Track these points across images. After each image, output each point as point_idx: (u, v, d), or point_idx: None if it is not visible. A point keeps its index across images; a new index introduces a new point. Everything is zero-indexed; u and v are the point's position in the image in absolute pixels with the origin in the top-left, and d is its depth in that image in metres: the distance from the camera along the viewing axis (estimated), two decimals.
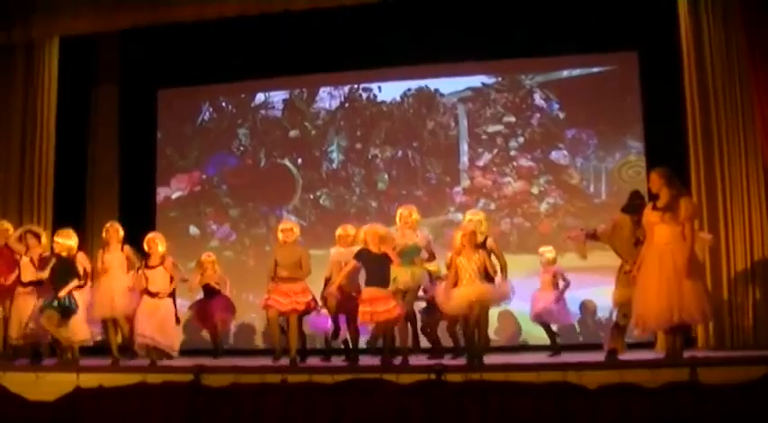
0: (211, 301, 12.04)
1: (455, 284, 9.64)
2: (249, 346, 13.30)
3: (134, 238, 11.31)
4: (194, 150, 14.69)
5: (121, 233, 11.20)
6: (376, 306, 9.44)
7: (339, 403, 7.98)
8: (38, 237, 11.40)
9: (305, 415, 8.03)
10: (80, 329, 10.78)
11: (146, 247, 11.06)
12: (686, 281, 8.56)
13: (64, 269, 10.64)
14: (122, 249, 11.16)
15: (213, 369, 9.46)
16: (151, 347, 10.67)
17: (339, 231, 11.00)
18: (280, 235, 10.85)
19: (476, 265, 9.54)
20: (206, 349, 12.05)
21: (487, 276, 9.65)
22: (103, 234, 11.24)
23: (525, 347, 12.19)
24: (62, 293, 10.44)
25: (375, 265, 9.67)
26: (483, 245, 9.99)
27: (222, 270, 12.31)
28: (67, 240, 10.77)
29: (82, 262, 10.92)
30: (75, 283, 10.60)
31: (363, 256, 9.75)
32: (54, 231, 11.71)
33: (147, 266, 10.89)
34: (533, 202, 13.24)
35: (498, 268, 9.91)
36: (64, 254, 10.69)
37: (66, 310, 10.53)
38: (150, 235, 11.19)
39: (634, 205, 9.47)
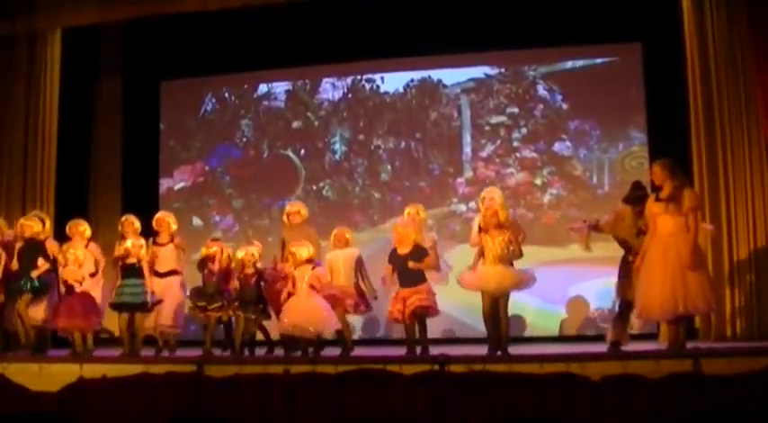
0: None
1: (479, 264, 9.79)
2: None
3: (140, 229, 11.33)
4: (197, 141, 14.68)
5: (137, 225, 11.16)
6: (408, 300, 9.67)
7: (342, 394, 7.99)
8: (42, 222, 11.39)
9: (308, 406, 8.03)
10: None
11: (155, 226, 11.12)
12: (690, 271, 8.58)
13: (30, 252, 10.81)
14: None
15: (216, 360, 9.51)
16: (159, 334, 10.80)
17: (335, 232, 10.78)
18: (286, 218, 10.85)
19: (499, 247, 9.58)
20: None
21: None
22: (119, 227, 11.20)
23: (530, 339, 12.17)
24: (34, 274, 10.76)
25: (401, 267, 9.83)
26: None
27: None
28: (33, 223, 11.01)
29: (93, 251, 11.09)
30: (45, 265, 10.84)
31: (392, 257, 9.94)
32: (57, 222, 11.78)
33: (155, 243, 10.95)
34: (536, 194, 13.22)
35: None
36: (28, 235, 10.89)
37: (38, 291, 10.78)
38: (160, 214, 11.27)
39: (636, 196, 9.47)
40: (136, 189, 14.41)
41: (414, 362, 8.74)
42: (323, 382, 8.20)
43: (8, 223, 11.66)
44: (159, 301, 10.76)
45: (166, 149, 14.72)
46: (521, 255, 9.81)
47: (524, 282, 9.74)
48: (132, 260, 10.56)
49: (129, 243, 10.62)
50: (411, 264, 9.70)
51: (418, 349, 9.77)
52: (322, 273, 10.17)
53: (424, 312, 9.78)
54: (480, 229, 9.85)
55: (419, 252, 9.83)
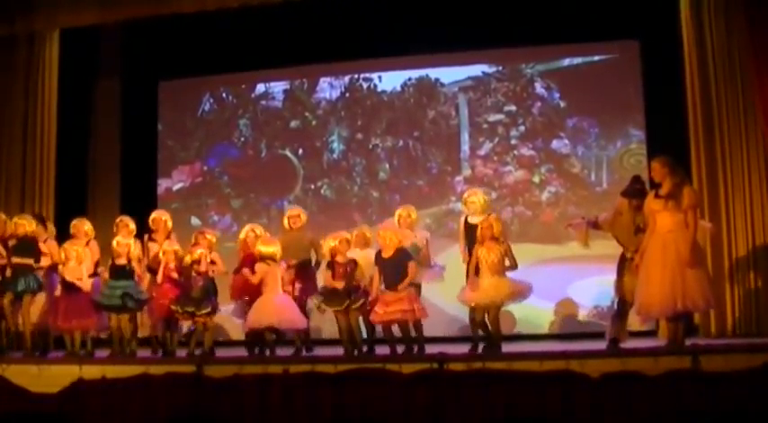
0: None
1: (476, 275, 9.74)
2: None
3: (136, 230, 11.30)
4: (195, 141, 14.68)
5: (131, 227, 11.13)
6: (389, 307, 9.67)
7: (342, 393, 7.99)
8: (44, 223, 11.40)
9: (307, 405, 8.03)
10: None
11: (151, 225, 11.12)
12: (689, 269, 8.61)
13: (23, 250, 10.76)
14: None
15: (216, 360, 9.51)
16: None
17: (356, 232, 10.87)
18: (286, 222, 10.87)
19: (495, 258, 9.58)
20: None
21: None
22: (114, 228, 11.18)
23: (520, 337, 12.15)
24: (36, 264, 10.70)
25: (384, 270, 9.85)
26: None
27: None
28: (26, 222, 10.95)
29: (93, 251, 11.09)
30: (47, 261, 10.77)
31: (377, 260, 9.95)
32: (56, 222, 11.78)
33: (151, 240, 10.93)
34: (535, 192, 13.21)
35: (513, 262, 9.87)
36: (20, 233, 10.82)
37: (29, 291, 10.67)
38: (156, 213, 11.28)
39: (634, 190, 9.46)
40: (134, 189, 14.41)
41: (413, 361, 8.74)
42: (322, 381, 8.21)
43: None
44: (147, 300, 10.75)
45: (165, 149, 14.72)
46: (516, 266, 9.80)
47: (520, 293, 9.74)
48: (121, 261, 10.56)
49: (114, 243, 10.62)
50: (400, 286, 9.68)
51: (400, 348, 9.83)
52: (271, 269, 10.13)
53: (405, 322, 9.78)
54: (474, 231, 9.89)
55: (401, 256, 9.82)
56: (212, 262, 10.61)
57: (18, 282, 10.65)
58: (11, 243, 10.89)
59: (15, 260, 10.71)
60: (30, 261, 10.71)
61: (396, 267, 9.72)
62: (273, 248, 10.25)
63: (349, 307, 9.93)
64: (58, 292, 10.70)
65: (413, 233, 10.55)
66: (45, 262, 10.81)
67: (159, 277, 10.67)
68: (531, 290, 9.84)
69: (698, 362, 7.97)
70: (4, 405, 8.46)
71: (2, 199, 13.25)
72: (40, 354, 10.80)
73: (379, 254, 9.92)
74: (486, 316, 9.68)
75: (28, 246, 10.82)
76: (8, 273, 10.76)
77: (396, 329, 9.89)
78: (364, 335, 10.30)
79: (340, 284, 9.96)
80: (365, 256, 10.36)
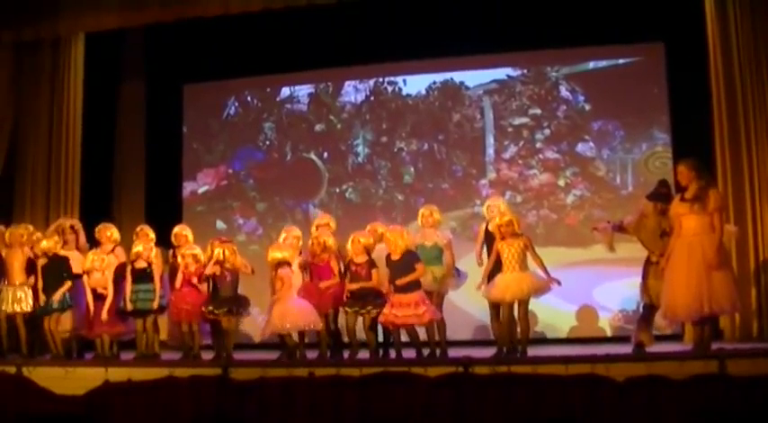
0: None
1: (495, 272, 9.75)
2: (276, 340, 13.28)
3: (161, 233, 11.34)
4: (220, 144, 14.71)
5: (151, 236, 11.17)
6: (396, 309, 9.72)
7: (366, 397, 7.99)
8: (77, 232, 11.46)
9: (332, 408, 8.04)
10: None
11: (173, 240, 11.11)
12: (715, 272, 8.57)
13: (54, 269, 10.86)
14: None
15: (241, 363, 9.53)
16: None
17: (369, 227, 10.80)
18: (314, 230, 10.86)
19: (517, 253, 9.57)
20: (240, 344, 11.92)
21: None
22: (134, 237, 11.21)
23: (545, 340, 12.15)
24: (56, 296, 10.75)
25: (392, 273, 9.89)
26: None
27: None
28: (55, 242, 11.06)
29: (119, 257, 11.11)
30: (67, 284, 10.83)
31: (387, 263, 10.01)
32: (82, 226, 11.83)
33: (174, 256, 10.94)
34: (560, 195, 13.18)
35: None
36: (51, 253, 10.91)
37: (62, 309, 10.80)
38: (177, 228, 11.26)
39: (659, 194, 9.46)
40: (159, 192, 14.47)
41: (438, 364, 8.73)
42: (347, 384, 8.21)
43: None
44: (167, 306, 10.79)
45: (189, 152, 14.76)
46: (540, 258, 9.75)
47: (544, 287, 9.70)
48: (142, 264, 10.63)
49: (140, 247, 10.68)
50: (398, 281, 9.72)
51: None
52: (286, 274, 10.14)
53: (414, 326, 9.80)
54: (494, 238, 9.86)
55: (409, 258, 9.84)
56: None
57: (50, 304, 10.76)
58: (41, 262, 10.94)
59: (44, 284, 10.84)
60: (60, 282, 10.81)
61: (404, 270, 9.74)
62: (287, 253, 10.29)
63: (370, 311, 10.02)
64: (88, 300, 10.73)
65: (435, 232, 10.53)
66: (66, 284, 10.89)
67: (178, 281, 10.62)
68: (550, 284, 9.75)
69: (724, 366, 7.93)
70: (31, 407, 8.50)
71: (27, 203, 13.34)
72: (77, 356, 10.95)
73: (388, 256, 9.95)
74: (515, 313, 9.65)
75: (58, 266, 10.89)
76: (40, 295, 10.87)
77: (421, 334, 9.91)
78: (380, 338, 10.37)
79: (356, 285, 10.07)
80: (378, 251, 10.38)
